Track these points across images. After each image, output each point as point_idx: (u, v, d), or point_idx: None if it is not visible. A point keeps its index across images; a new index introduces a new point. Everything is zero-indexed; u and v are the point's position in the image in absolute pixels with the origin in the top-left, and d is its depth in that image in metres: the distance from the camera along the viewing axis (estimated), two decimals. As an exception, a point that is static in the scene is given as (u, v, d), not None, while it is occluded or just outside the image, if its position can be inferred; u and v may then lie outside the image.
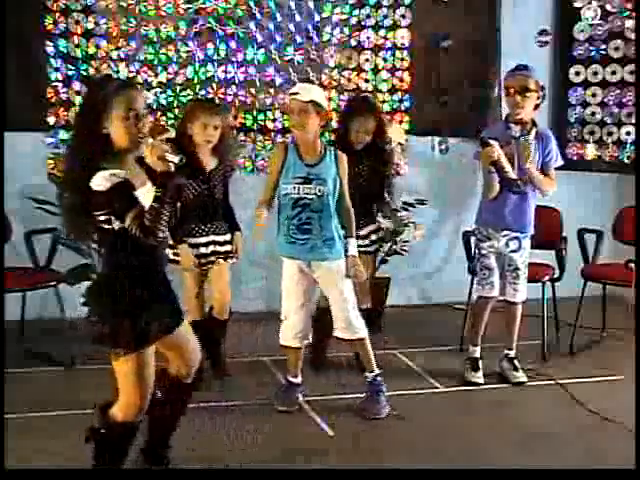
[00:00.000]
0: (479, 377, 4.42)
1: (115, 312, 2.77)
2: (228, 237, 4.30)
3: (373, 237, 4.58)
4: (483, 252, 4.40)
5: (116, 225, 2.69)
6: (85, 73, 5.30)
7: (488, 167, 4.17)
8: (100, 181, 2.61)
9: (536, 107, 4.28)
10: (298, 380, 4.07)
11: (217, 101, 5.33)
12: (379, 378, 3.97)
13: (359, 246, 4.08)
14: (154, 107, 5.39)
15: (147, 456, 3.23)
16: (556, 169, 4.37)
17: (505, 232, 4.34)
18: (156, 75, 5.39)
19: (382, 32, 5.70)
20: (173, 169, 2.67)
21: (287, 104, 3.86)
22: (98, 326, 2.78)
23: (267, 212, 3.78)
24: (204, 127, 4.13)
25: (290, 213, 3.83)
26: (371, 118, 4.38)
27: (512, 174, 4.17)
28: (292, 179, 3.81)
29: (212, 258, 4.25)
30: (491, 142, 4.10)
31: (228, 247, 4.29)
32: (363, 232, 4.44)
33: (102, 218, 2.70)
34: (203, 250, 4.21)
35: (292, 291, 3.93)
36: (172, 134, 2.88)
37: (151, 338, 2.82)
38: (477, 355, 4.49)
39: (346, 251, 3.87)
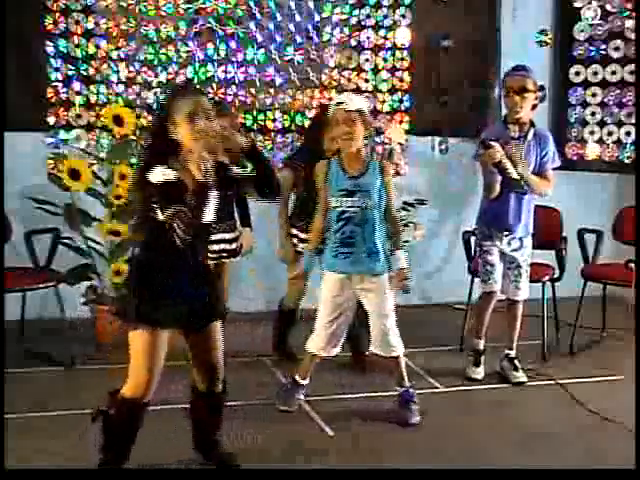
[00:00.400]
0: (479, 373, 4.46)
1: (133, 287, 3.00)
2: (237, 234, 4.35)
3: None
4: (485, 248, 4.42)
5: (160, 217, 2.87)
6: (85, 73, 5.31)
7: (490, 168, 4.18)
8: (153, 174, 2.83)
9: (534, 107, 4.29)
10: (304, 382, 4.04)
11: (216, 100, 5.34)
12: (411, 390, 3.93)
13: None
14: (154, 107, 5.41)
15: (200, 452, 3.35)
16: (556, 169, 4.37)
17: (506, 232, 4.35)
18: (156, 75, 5.39)
19: (382, 32, 5.70)
20: (211, 180, 2.86)
21: (331, 115, 3.73)
22: (119, 296, 3.02)
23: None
24: None
25: (335, 226, 3.76)
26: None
27: (514, 174, 4.18)
28: (336, 192, 3.72)
29: (220, 255, 4.30)
30: (493, 143, 4.12)
31: (235, 245, 4.34)
32: None
33: (152, 206, 2.89)
34: (215, 247, 4.25)
35: (327, 304, 3.86)
36: (244, 143, 2.92)
37: (161, 323, 2.96)
38: (481, 347, 4.52)
39: (390, 265, 3.78)
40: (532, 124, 4.29)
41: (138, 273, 3.03)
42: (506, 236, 4.35)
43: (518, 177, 4.19)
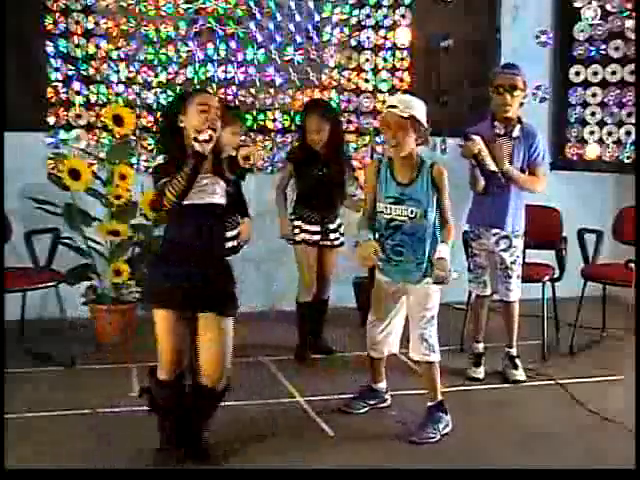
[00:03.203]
0: (479, 372, 4.47)
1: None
2: (235, 232, 4.35)
3: (342, 230, 4.72)
4: (474, 251, 4.44)
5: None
6: (85, 73, 5.31)
7: (470, 161, 4.22)
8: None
9: (521, 105, 4.31)
10: (377, 386, 3.98)
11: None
12: (437, 411, 3.72)
13: (333, 239, 4.57)
14: (154, 107, 5.41)
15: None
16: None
17: (495, 230, 4.35)
18: (156, 75, 5.40)
19: (382, 32, 5.71)
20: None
21: (382, 118, 3.62)
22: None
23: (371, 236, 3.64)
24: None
25: (384, 232, 3.64)
26: (322, 119, 4.49)
27: (492, 166, 4.20)
28: (385, 198, 3.61)
29: None
30: (473, 137, 4.16)
31: (234, 243, 4.34)
32: (333, 226, 4.62)
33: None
34: None
35: (376, 306, 3.82)
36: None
37: (165, 302, 3.11)
38: (480, 351, 4.53)
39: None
40: (519, 121, 4.30)
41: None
42: (494, 235, 4.35)
43: (496, 170, 4.20)
